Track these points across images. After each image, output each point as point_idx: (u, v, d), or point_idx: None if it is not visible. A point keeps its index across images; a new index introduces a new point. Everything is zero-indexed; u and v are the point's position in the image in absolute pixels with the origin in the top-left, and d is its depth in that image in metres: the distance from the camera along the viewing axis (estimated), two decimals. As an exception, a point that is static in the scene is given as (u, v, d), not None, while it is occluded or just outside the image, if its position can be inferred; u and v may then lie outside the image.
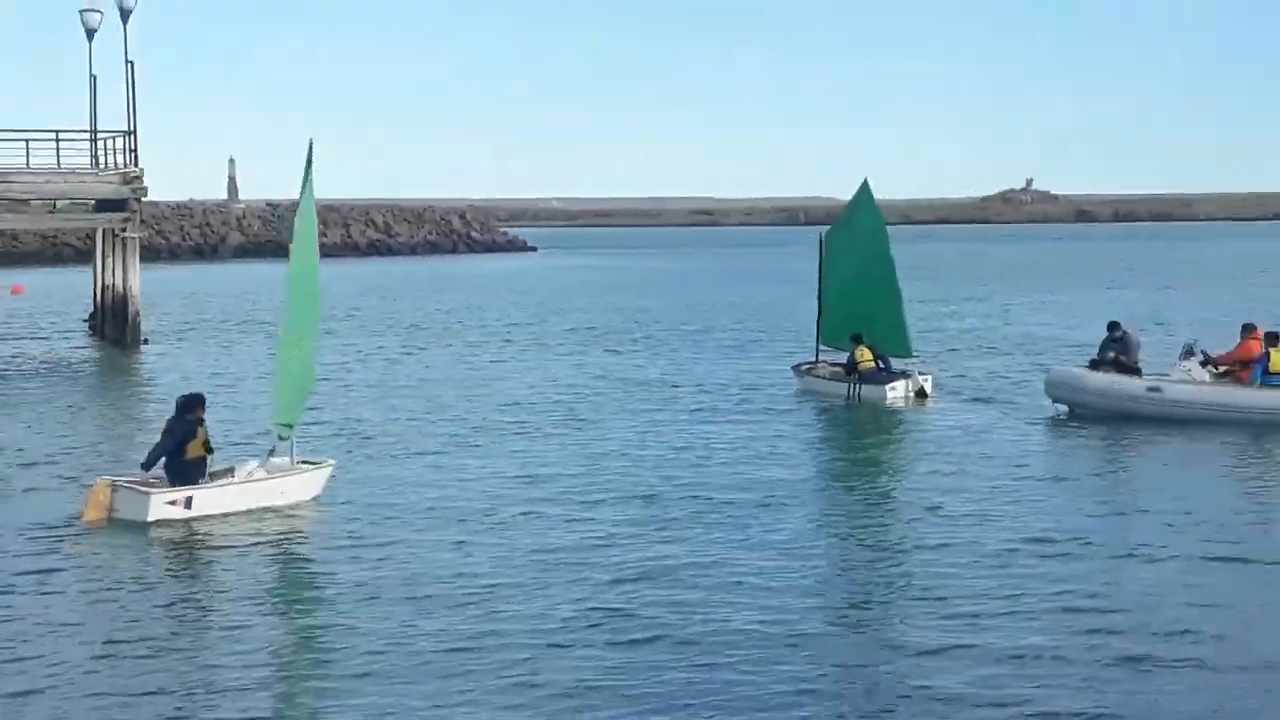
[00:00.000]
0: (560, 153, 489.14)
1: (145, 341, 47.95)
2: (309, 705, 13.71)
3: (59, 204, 50.76)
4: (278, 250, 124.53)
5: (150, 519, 20.23)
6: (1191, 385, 29.57)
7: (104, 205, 49.02)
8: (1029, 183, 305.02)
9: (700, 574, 17.69)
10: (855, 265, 34.97)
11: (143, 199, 49.36)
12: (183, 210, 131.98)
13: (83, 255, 70.33)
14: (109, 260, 49.62)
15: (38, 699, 13.66)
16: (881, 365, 33.60)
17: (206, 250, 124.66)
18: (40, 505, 21.93)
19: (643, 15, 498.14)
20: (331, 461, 22.81)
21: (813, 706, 13.31)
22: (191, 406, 21.50)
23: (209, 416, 22.10)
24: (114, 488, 20.78)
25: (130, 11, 48.49)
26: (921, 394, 33.04)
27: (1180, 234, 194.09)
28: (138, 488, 20.67)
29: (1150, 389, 29.64)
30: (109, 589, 17.38)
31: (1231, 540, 19.38)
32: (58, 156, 48.07)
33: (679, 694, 13.57)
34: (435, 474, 24.38)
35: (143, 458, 21.70)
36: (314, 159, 22.28)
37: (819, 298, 36.17)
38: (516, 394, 35.06)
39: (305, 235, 22.37)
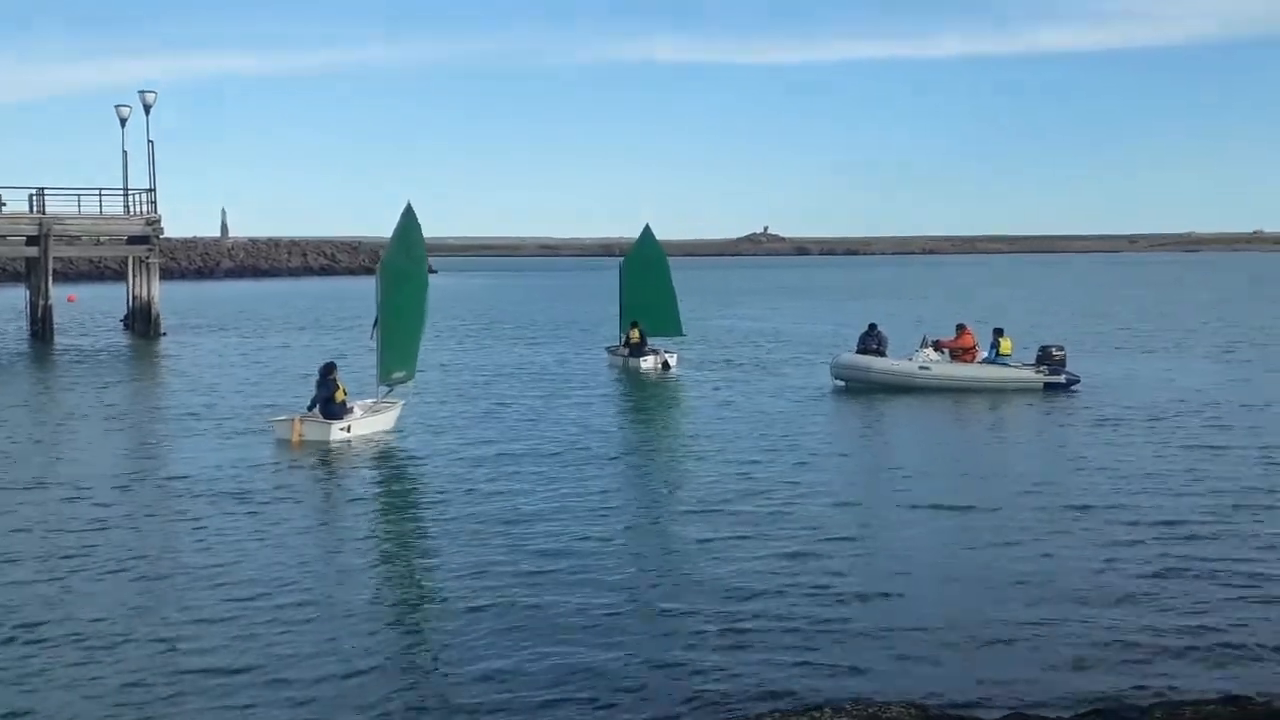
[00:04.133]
0: (451, 203, 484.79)
1: (164, 334, 46.55)
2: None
3: (101, 239, 49.19)
4: (256, 273, 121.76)
5: (330, 439, 20.85)
6: (947, 365, 28.44)
7: (133, 240, 47.48)
8: (765, 228, 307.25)
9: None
10: (642, 279, 34.85)
11: (160, 236, 48.13)
12: (189, 243, 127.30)
13: (118, 274, 67.95)
14: (137, 278, 48.43)
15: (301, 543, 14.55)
16: (642, 343, 33.61)
17: (205, 272, 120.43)
18: (230, 436, 22.01)
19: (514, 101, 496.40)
20: (402, 401, 23.42)
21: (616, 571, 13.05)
22: (329, 370, 21.82)
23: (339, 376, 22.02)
24: (303, 420, 21.12)
25: (150, 106, 47.66)
26: (665, 365, 32.64)
27: (860, 264, 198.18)
28: (319, 420, 21.19)
29: (921, 368, 28.21)
30: (325, 476, 18.75)
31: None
32: (100, 206, 47.19)
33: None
34: (444, 410, 25.12)
35: (300, 403, 22.45)
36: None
37: (620, 302, 35.81)
38: (469, 372, 34.39)
39: (411, 259, 22.92)
